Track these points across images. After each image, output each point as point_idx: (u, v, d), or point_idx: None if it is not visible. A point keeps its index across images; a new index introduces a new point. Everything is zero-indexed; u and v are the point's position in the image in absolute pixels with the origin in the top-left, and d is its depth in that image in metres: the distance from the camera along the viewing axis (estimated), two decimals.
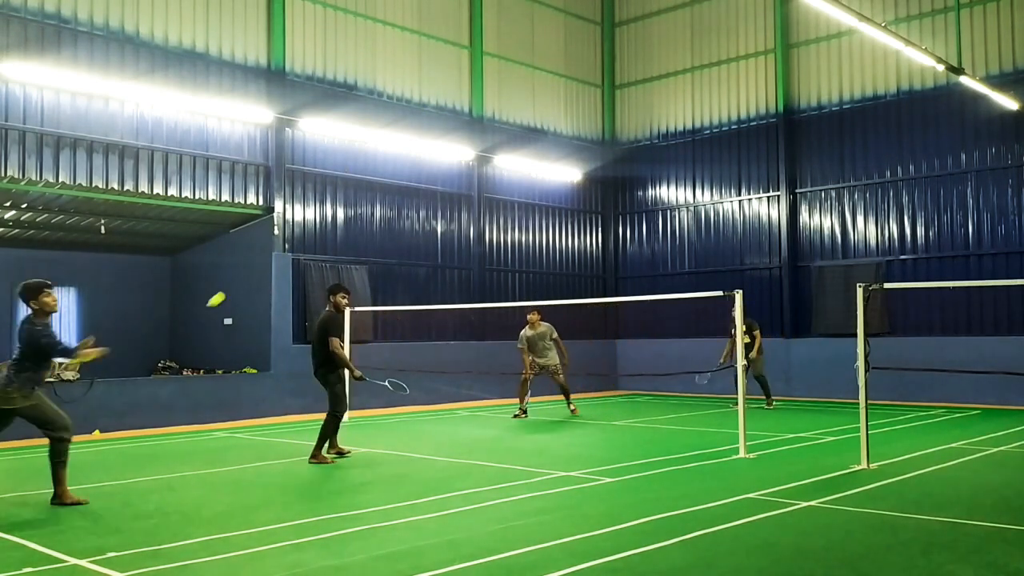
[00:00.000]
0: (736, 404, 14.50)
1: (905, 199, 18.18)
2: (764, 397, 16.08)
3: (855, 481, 8.23)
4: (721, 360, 15.34)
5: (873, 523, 6.45)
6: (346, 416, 14.91)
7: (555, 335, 15.13)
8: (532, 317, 15.13)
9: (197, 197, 15.08)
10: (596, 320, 21.50)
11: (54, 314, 7.79)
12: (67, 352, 7.60)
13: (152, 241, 17.05)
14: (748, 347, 15.18)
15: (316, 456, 9.82)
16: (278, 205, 16.04)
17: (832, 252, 19.14)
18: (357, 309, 15.73)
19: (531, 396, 15.55)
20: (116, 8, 14.33)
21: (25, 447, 11.58)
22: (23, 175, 13.19)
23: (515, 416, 14.94)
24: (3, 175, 13.00)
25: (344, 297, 10.45)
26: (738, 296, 10.19)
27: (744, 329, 15.17)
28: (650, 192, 22.28)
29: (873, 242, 18.55)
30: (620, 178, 22.72)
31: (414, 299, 18.22)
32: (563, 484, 8.25)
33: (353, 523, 6.61)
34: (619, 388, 20.59)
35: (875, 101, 18.70)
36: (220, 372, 15.64)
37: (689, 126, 21.59)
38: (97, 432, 12.49)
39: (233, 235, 16.62)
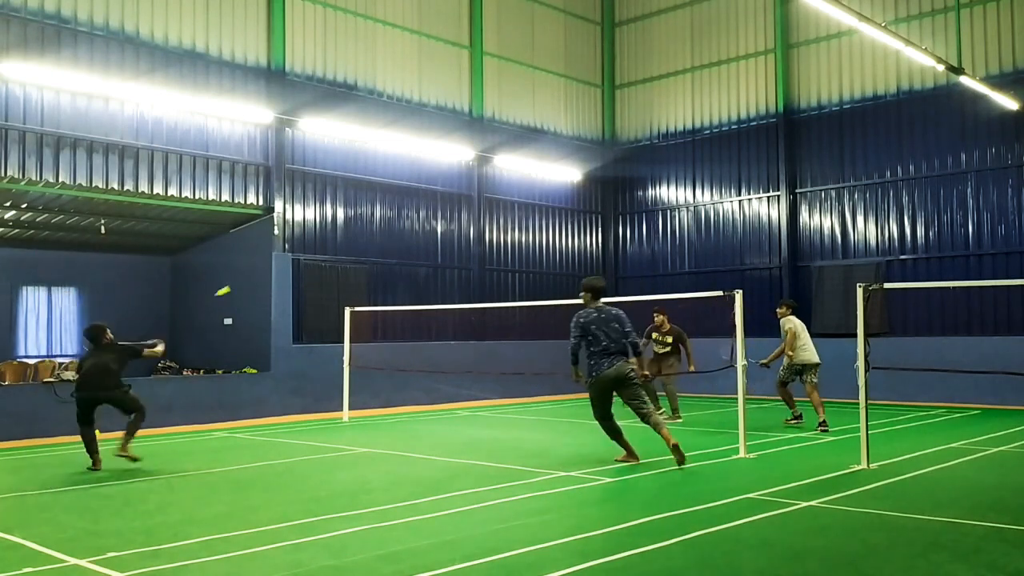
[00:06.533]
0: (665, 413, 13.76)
1: (905, 199, 18.18)
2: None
3: (855, 481, 8.22)
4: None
5: (873, 523, 6.45)
6: (347, 416, 14.98)
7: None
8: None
9: (197, 197, 15.08)
10: None
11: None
12: None
13: (152, 241, 17.04)
14: (671, 355, 13.93)
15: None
16: (278, 205, 16.04)
17: (832, 252, 19.14)
18: (357, 309, 15.73)
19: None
20: (116, 8, 14.33)
21: (24, 447, 11.58)
22: (23, 175, 13.19)
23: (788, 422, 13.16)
24: (3, 175, 13.00)
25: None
26: (738, 296, 10.18)
27: (669, 337, 13.85)
28: (650, 192, 22.28)
29: (873, 242, 18.55)
30: (620, 178, 22.72)
31: (414, 299, 18.22)
32: (563, 484, 8.25)
33: (353, 523, 6.61)
34: None
35: (875, 101, 18.70)
36: (220, 372, 15.64)
37: (689, 126, 21.59)
38: (97, 432, 12.46)
39: (233, 235, 16.62)
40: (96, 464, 9.46)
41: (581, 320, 9.33)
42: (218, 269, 16.94)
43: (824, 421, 12.31)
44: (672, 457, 9.11)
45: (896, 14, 18.21)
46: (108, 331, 10.02)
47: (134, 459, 9.45)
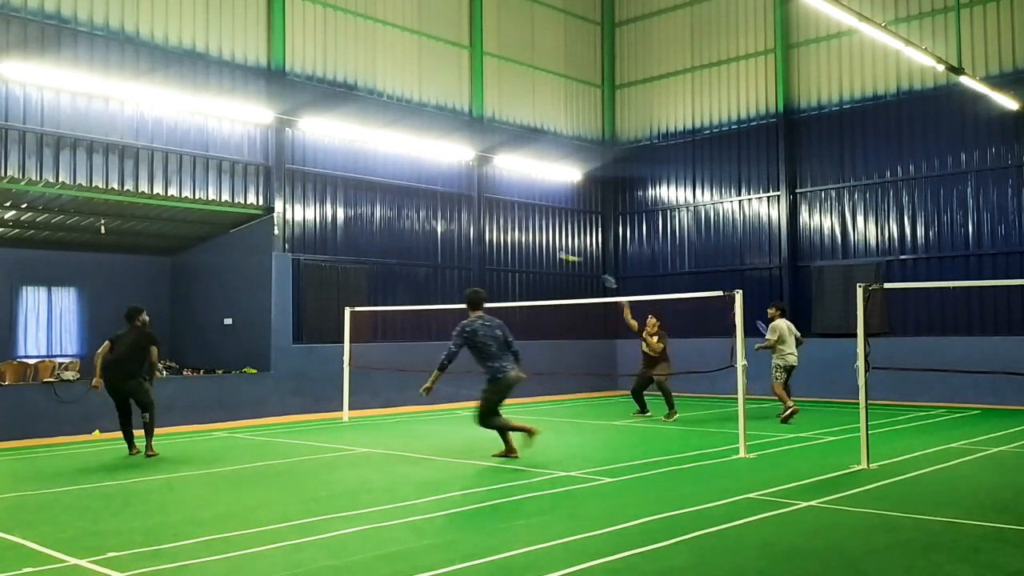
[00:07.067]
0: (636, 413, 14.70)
1: (905, 199, 18.18)
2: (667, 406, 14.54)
3: (855, 481, 8.22)
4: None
5: (873, 523, 6.45)
6: (347, 416, 14.98)
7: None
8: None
9: (197, 197, 15.08)
10: (595, 320, 21.49)
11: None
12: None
13: (152, 241, 17.04)
14: (659, 360, 14.26)
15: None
16: (278, 205, 16.03)
17: (832, 252, 19.14)
18: (357, 309, 15.73)
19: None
20: (116, 8, 14.33)
21: (24, 447, 11.58)
22: (23, 175, 13.18)
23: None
24: (3, 175, 13.00)
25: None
26: (738, 296, 10.18)
27: (655, 338, 14.30)
28: (650, 192, 22.28)
29: (873, 242, 18.55)
30: (620, 178, 22.72)
31: (414, 299, 18.21)
32: (563, 484, 8.25)
33: (353, 523, 6.61)
34: (619, 388, 20.58)
35: (875, 101, 18.70)
36: (220, 372, 15.63)
37: (689, 126, 21.58)
38: (97, 432, 12.49)
39: (233, 235, 16.62)
40: (133, 451, 10.46)
41: (467, 329, 9.81)
42: (218, 269, 16.95)
43: (788, 412, 13.28)
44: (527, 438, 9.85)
45: (896, 14, 18.21)
46: (143, 314, 10.59)
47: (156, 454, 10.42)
